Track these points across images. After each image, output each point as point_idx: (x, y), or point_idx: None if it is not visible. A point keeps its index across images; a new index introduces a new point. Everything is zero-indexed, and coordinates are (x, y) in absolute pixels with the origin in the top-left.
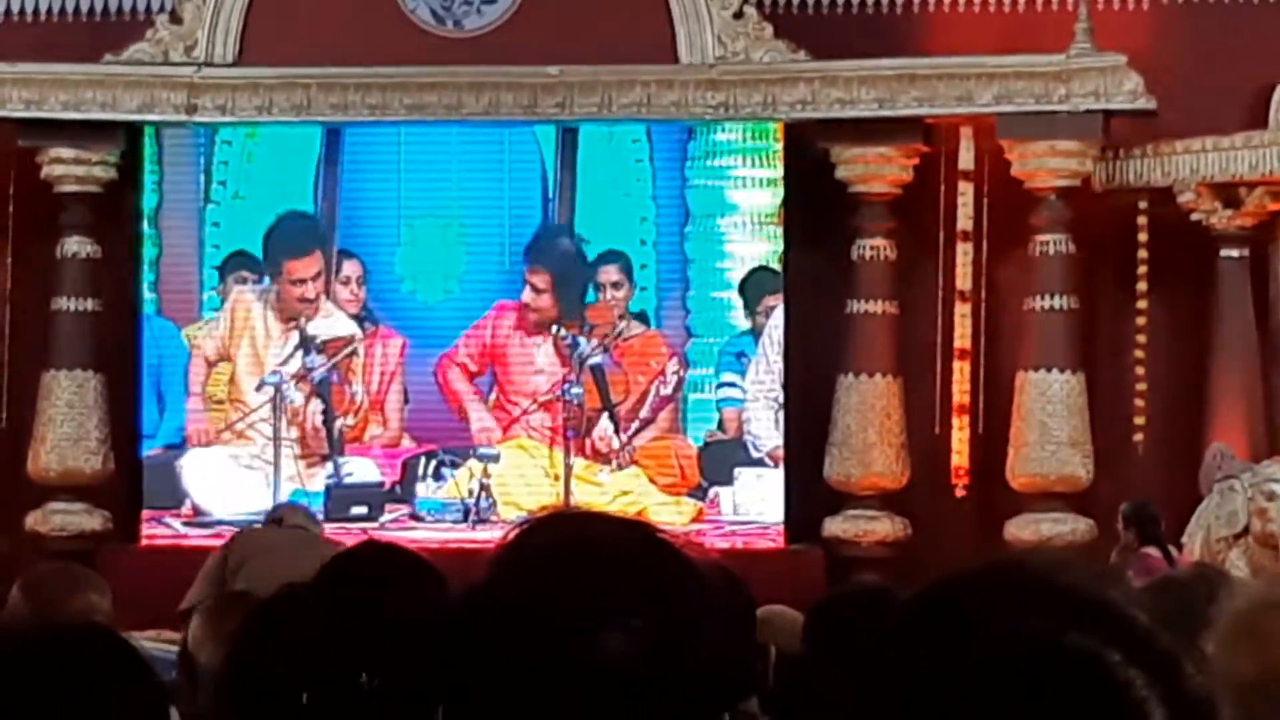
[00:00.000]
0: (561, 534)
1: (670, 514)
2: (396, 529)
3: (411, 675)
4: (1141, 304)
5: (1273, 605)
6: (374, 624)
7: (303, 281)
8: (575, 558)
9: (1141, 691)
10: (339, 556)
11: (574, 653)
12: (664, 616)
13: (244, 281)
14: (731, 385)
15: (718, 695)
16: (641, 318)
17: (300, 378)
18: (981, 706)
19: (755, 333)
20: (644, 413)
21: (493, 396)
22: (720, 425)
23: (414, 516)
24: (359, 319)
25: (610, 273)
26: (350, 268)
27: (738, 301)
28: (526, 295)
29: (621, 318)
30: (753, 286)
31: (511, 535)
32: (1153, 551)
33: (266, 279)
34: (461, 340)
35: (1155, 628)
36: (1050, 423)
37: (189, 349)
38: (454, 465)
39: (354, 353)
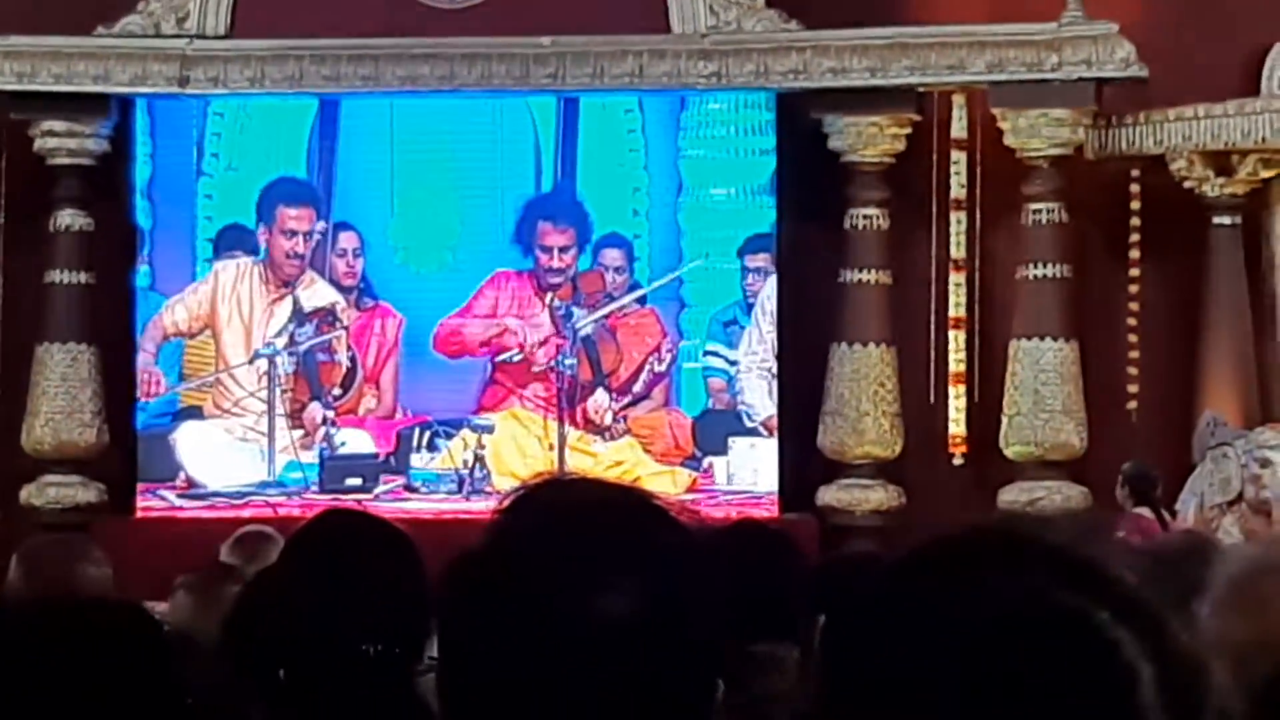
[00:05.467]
0: (556, 499)
1: (664, 484)
2: (391, 500)
3: (392, 639)
4: (1134, 272)
5: (1268, 568)
6: (348, 591)
7: (294, 234)
8: (570, 522)
9: (1130, 650)
10: (305, 529)
11: (569, 616)
12: (658, 581)
13: (236, 257)
14: (715, 354)
15: (714, 660)
16: (636, 290)
17: (290, 349)
18: (971, 667)
19: (747, 302)
20: (637, 387)
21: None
22: (706, 393)
23: (408, 488)
24: (355, 290)
25: (615, 257)
26: (347, 240)
27: (731, 272)
28: (545, 258)
29: (618, 297)
30: (746, 255)
31: (507, 501)
32: (1145, 513)
33: (261, 249)
34: (468, 309)
35: (1141, 588)
36: (1044, 391)
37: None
38: (448, 436)
39: (334, 321)
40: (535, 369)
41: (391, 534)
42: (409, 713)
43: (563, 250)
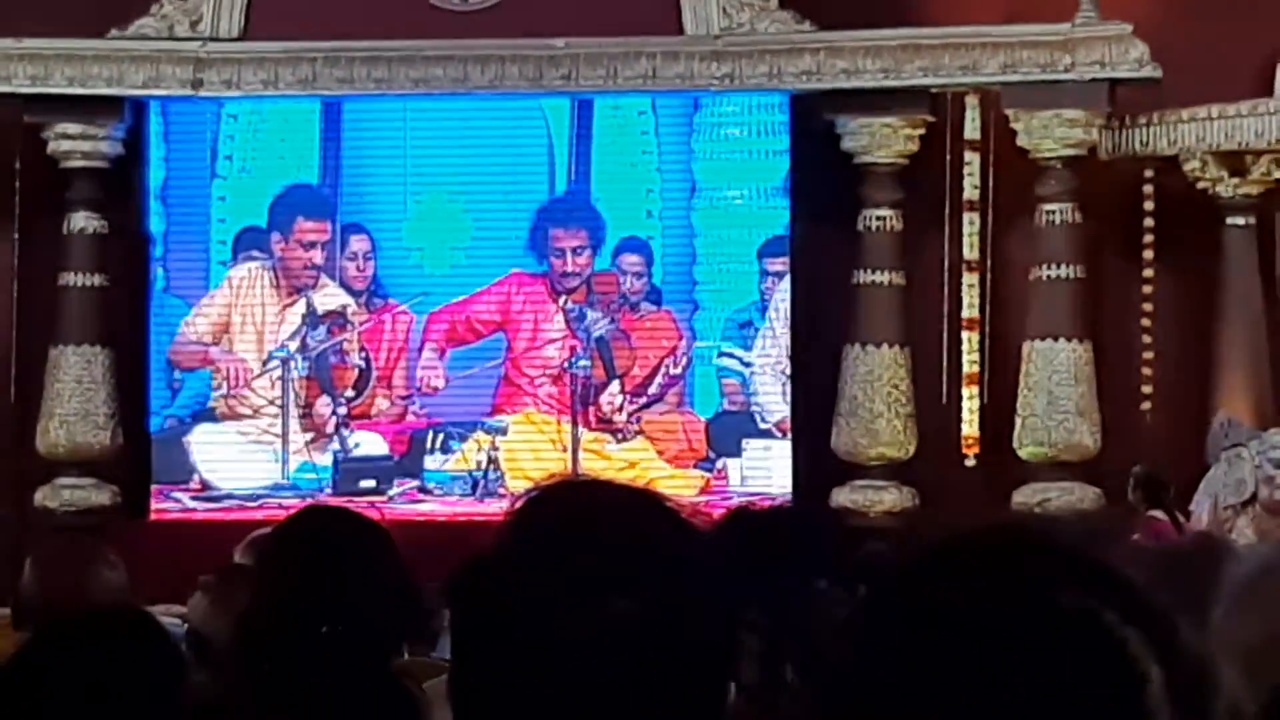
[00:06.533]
0: (569, 501)
1: (678, 485)
2: (404, 502)
3: (370, 628)
4: (1148, 272)
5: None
6: (327, 584)
7: (312, 245)
8: (581, 524)
9: (1138, 650)
10: (283, 526)
11: (580, 618)
12: (669, 583)
13: (254, 260)
14: (729, 355)
15: (724, 662)
16: (654, 295)
17: (303, 352)
18: (980, 666)
19: (762, 303)
20: (652, 389)
21: (503, 366)
22: (720, 394)
23: (422, 489)
24: (366, 293)
25: (634, 262)
26: (358, 243)
27: (745, 273)
28: (559, 262)
29: (637, 303)
30: (765, 258)
31: (519, 503)
32: (1159, 515)
33: (275, 254)
34: (472, 300)
35: (1152, 589)
36: (1058, 392)
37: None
38: (461, 438)
39: (345, 323)
40: (549, 371)
41: (367, 526)
42: (390, 700)
43: (576, 252)
